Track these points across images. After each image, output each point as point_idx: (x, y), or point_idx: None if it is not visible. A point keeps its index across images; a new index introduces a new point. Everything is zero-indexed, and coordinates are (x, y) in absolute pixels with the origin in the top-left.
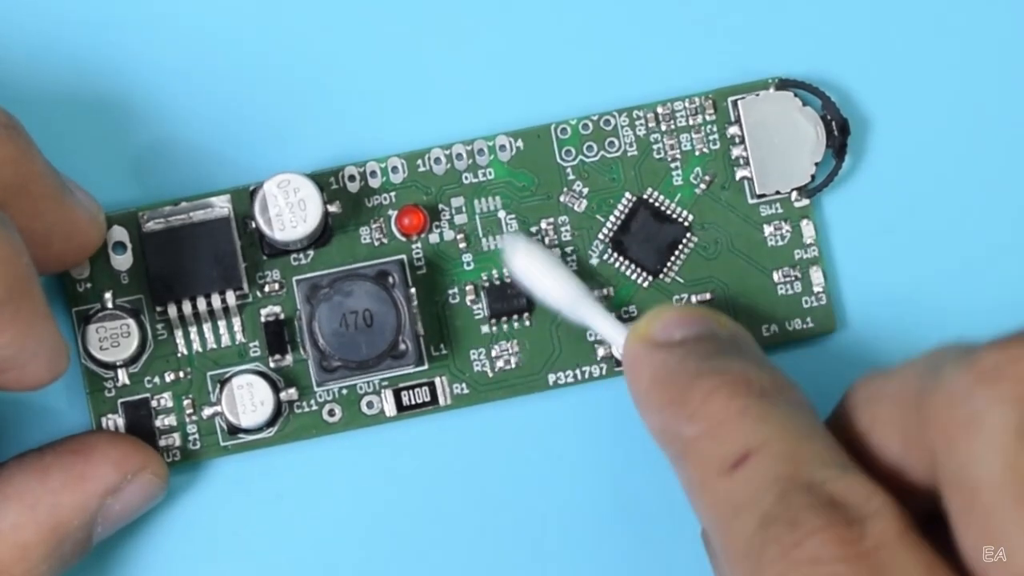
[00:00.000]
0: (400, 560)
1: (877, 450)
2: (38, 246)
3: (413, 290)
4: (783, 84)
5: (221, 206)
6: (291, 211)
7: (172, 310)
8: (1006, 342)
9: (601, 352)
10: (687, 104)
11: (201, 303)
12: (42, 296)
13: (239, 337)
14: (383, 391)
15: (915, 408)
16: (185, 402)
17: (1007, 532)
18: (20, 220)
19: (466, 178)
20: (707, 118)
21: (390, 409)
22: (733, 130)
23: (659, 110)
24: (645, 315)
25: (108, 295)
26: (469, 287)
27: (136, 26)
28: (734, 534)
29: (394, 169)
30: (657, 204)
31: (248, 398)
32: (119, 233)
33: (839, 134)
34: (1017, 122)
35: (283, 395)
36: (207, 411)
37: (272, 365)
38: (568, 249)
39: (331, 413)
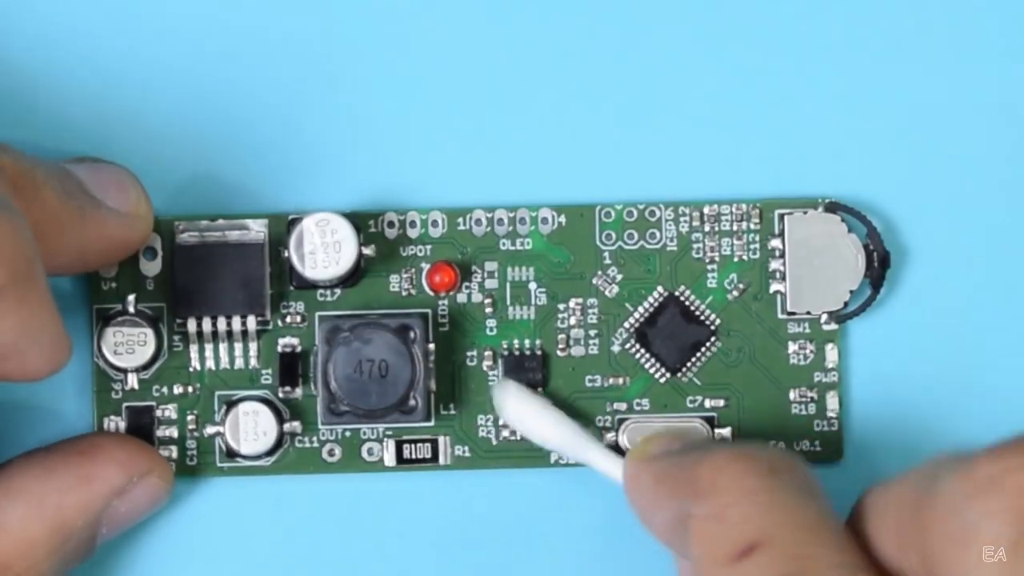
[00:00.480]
0: None
1: (883, 558)
2: (71, 260)
3: (432, 346)
4: (832, 206)
5: (257, 230)
6: (325, 251)
7: (191, 325)
8: (1001, 451)
9: (608, 439)
10: (734, 209)
11: (221, 323)
12: (46, 285)
13: (253, 362)
14: (385, 440)
15: (913, 518)
16: (189, 417)
17: None
18: (44, 246)
19: (503, 244)
20: (751, 226)
21: (390, 459)
22: (775, 243)
23: (706, 210)
24: (638, 442)
25: (131, 298)
26: (488, 352)
27: (200, 49)
28: None
29: (434, 223)
30: (687, 303)
31: (252, 426)
32: (152, 239)
33: (879, 266)
34: None
35: (287, 426)
36: (209, 430)
37: (281, 395)
38: (592, 332)
39: (331, 453)
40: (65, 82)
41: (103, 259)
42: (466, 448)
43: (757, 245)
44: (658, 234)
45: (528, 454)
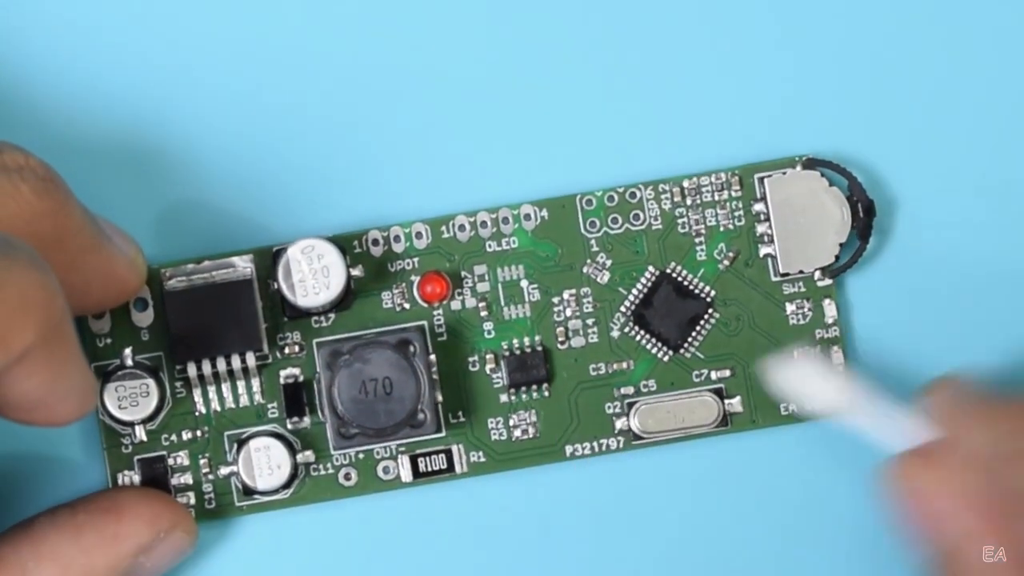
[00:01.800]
0: None
1: None
2: (76, 294)
3: (433, 357)
4: (810, 163)
5: (243, 266)
6: (314, 277)
7: (192, 369)
8: None
9: (619, 425)
10: (713, 179)
11: (220, 363)
12: (75, 338)
13: (258, 398)
14: (400, 456)
15: None
16: (201, 461)
17: None
18: (59, 271)
19: (490, 246)
20: (733, 194)
21: (406, 475)
22: (759, 207)
23: (685, 184)
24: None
25: (128, 351)
26: (489, 355)
27: (161, 86)
28: None
29: (418, 235)
30: (680, 279)
31: (265, 461)
32: (141, 290)
33: (864, 216)
34: None
35: (300, 457)
36: (223, 470)
37: (290, 427)
38: (590, 321)
39: (347, 477)
40: (24, 131)
41: (102, 300)
42: (480, 453)
43: (741, 212)
44: (641, 215)
45: (543, 451)
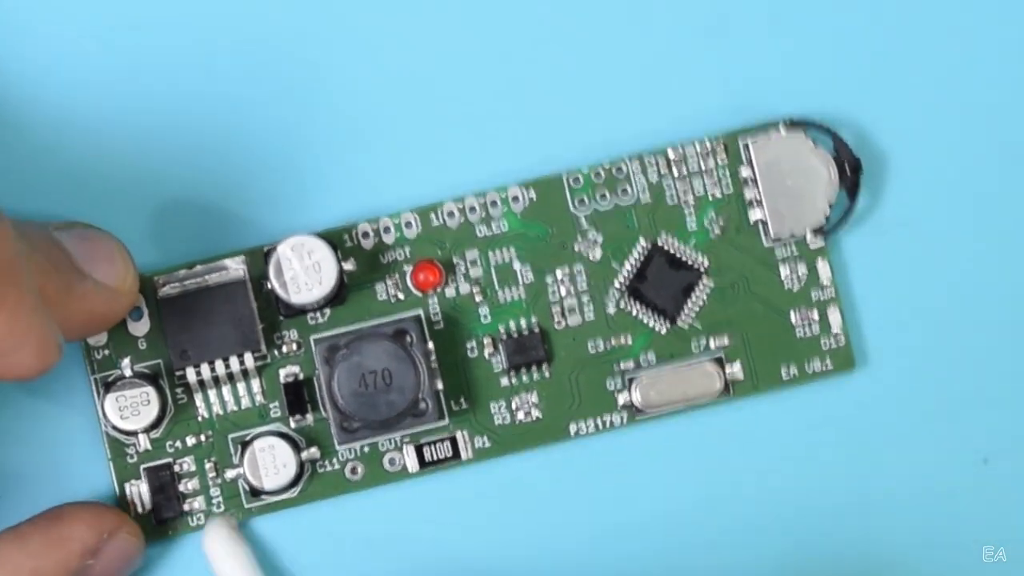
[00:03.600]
0: None
1: None
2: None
3: (431, 345)
4: (794, 124)
5: (236, 268)
6: (306, 274)
7: (191, 374)
8: None
9: (622, 400)
10: (698, 148)
11: (219, 366)
12: (29, 287)
13: (259, 399)
14: (405, 447)
15: None
16: (207, 465)
17: None
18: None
19: (480, 231)
20: (719, 161)
21: (412, 465)
22: (745, 172)
23: (670, 155)
24: None
25: (126, 362)
26: (487, 340)
27: (139, 86)
28: None
29: (407, 224)
30: (672, 250)
31: (270, 461)
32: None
33: (852, 173)
34: None
35: (305, 455)
36: (230, 473)
37: (293, 425)
38: (585, 298)
39: (353, 471)
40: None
41: (84, 333)
42: (485, 439)
43: (728, 179)
44: (629, 189)
45: (547, 432)
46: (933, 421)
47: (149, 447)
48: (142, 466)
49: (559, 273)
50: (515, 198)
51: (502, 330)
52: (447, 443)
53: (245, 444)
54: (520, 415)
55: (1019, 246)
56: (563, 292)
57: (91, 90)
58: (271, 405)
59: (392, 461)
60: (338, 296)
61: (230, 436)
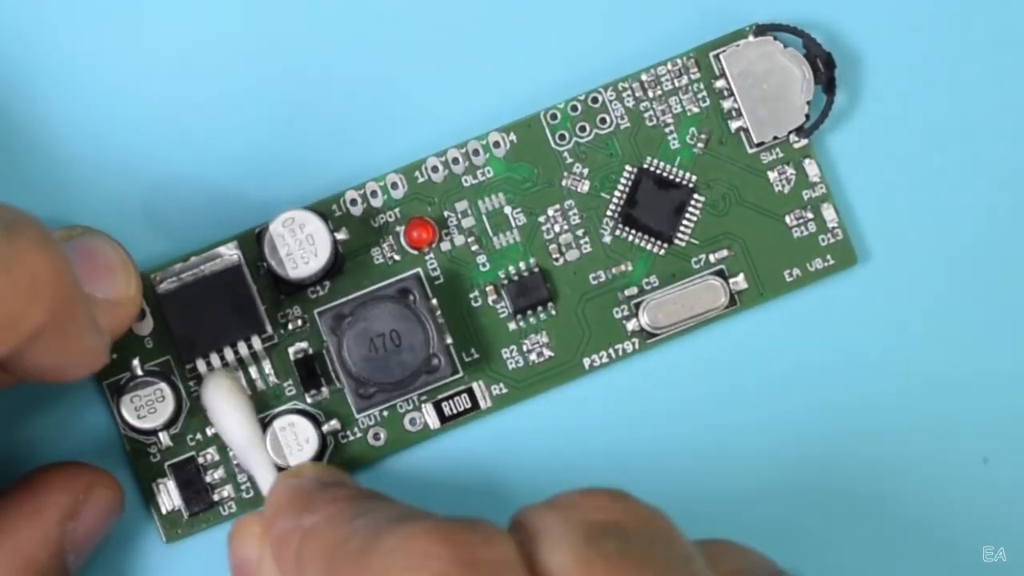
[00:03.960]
0: None
1: None
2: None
3: (435, 301)
4: (761, 29)
5: (230, 253)
6: (300, 248)
7: (201, 365)
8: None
9: (631, 327)
10: (670, 67)
11: (228, 353)
12: (84, 305)
13: (272, 379)
14: (423, 405)
15: None
16: (231, 453)
17: None
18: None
19: (466, 181)
20: (692, 77)
21: (433, 422)
22: (720, 84)
23: (644, 78)
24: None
25: (136, 362)
26: (489, 287)
27: (108, 77)
28: None
29: (393, 185)
30: (658, 171)
31: (292, 438)
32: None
33: (825, 69)
34: (1007, 39)
35: (326, 428)
36: None
37: (309, 400)
38: (580, 232)
39: (376, 437)
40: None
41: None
42: (501, 385)
43: (704, 93)
44: (608, 118)
45: (562, 369)
46: (942, 309)
47: (170, 443)
48: (166, 463)
49: (551, 211)
50: (496, 143)
51: (502, 276)
52: (465, 395)
53: (265, 425)
54: (532, 357)
55: (1000, 128)
56: (557, 229)
57: (69, 88)
58: (285, 384)
59: (413, 421)
60: (335, 267)
61: None
